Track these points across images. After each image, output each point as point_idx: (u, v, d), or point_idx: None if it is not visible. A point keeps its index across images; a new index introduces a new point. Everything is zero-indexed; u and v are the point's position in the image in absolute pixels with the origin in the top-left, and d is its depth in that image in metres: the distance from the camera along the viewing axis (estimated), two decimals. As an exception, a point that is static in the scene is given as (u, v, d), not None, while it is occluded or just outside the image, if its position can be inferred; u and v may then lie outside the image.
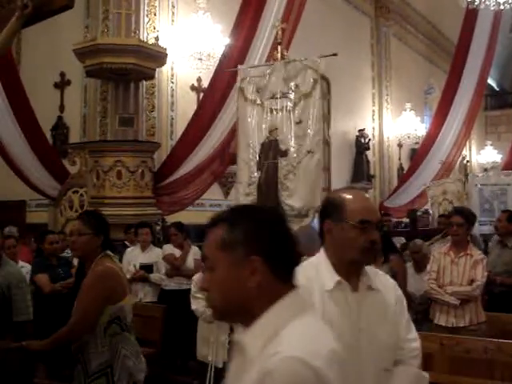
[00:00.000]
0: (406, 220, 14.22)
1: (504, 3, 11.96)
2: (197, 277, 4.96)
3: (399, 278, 5.35)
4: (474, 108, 16.84)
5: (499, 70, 27.13)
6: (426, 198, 13.50)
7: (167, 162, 9.41)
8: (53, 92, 10.69)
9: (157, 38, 9.18)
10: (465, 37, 16.11)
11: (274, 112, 4.85)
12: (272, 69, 4.93)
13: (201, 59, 10.33)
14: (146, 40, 9.30)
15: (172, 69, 10.46)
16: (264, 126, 4.92)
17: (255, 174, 4.97)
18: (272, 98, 4.84)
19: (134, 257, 7.13)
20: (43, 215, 9.77)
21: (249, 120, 5.05)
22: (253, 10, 9.35)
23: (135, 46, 8.49)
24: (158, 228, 9.08)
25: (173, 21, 10.54)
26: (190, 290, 7.08)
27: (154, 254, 7.16)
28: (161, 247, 7.56)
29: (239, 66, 5.40)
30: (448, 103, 16.24)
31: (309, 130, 4.63)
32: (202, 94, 10.60)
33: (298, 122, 4.68)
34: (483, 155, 24.67)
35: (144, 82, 9.66)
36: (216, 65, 9.64)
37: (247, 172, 5.04)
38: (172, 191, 9.23)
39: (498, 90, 28.72)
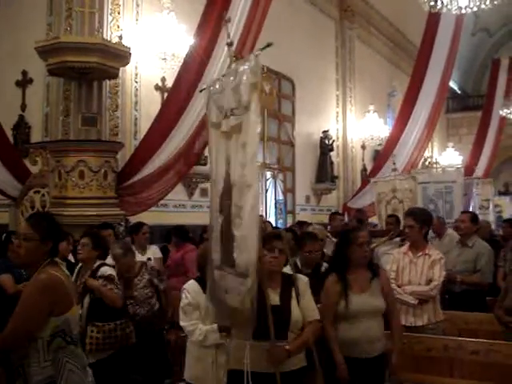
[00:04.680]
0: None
1: (466, 7, 12.14)
2: (191, 286, 4.30)
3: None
4: (436, 110, 17.09)
5: (461, 73, 27.60)
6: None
7: (131, 162, 9.33)
8: (14, 90, 10.51)
9: (121, 37, 9.11)
10: (427, 40, 16.36)
11: (227, 136, 3.63)
12: (222, 79, 3.74)
13: (165, 59, 10.28)
14: (109, 39, 9.20)
15: (136, 68, 10.38)
16: (224, 156, 3.68)
17: (219, 219, 3.70)
18: (225, 117, 3.62)
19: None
20: (4, 216, 9.61)
21: (213, 150, 3.87)
22: (217, 10, 9.35)
23: (98, 44, 8.38)
24: (122, 229, 9.01)
25: (137, 20, 10.46)
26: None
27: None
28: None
29: (200, 87, 4.20)
30: (410, 106, 16.45)
31: (248, 156, 3.37)
32: (166, 94, 10.55)
33: (243, 146, 3.41)
34: (445, 157, 25.05)
35: (107, 82, 9.56)
36: (180, 65, 9.61)
37: (214, 216, 3.79)
38: (135, 191, 9.16)
39: (459, 92, 29.20)
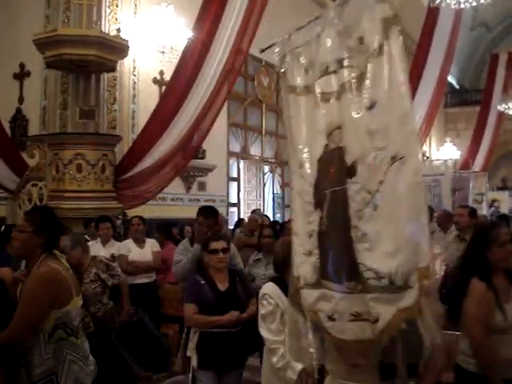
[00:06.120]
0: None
1: (464, 2, 12.13)
2: (271, 289, 3.77)
3: None
4: (434, 105, 17.06)
5: (459, 67, 27.55)
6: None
7: (128, 155, 9.32)
8: (12, 83, 10.49)
9: (119, 30, 9.08)
10: (426, 35, 16.31)
11: (331, 98, 2.62)
12: (321, 23, 2.71)
13: (163, 52, 10.25)
14: (107, 32, 9.19)
15: (134, 61, 10.36)
16: (320, 126, 2.68)
17: (313, 215, 2.73)
18: (325, 74, 2.65)
19: (95, 251, 7.05)
20: (1, 209, 9.60)
21: (297, 122, 2.88)
22: (216, 3, 9.32)
23: (96, 37, 8.35)
24: (119, 222, 9.00)
25: (135, 13, 10.43)
26: (147, 283, 7.08)
27: (115, 249, 7.11)
28: (121, 241, 7.54)
29: (276, 40, 3.03)
30: (409, 100, 16.41)
31: (391, 118, 2.37)
32: (164, 88, 10.53)
33: (370, 107, 2.42)
34: (442, 152, 25.03)
35: (105, 75, 9.54)
36: (179, 58, 9.58)
37: (303, 213, 2.80)
38: (133, 185, 9.14)
39: (457, 87, 29.16)
